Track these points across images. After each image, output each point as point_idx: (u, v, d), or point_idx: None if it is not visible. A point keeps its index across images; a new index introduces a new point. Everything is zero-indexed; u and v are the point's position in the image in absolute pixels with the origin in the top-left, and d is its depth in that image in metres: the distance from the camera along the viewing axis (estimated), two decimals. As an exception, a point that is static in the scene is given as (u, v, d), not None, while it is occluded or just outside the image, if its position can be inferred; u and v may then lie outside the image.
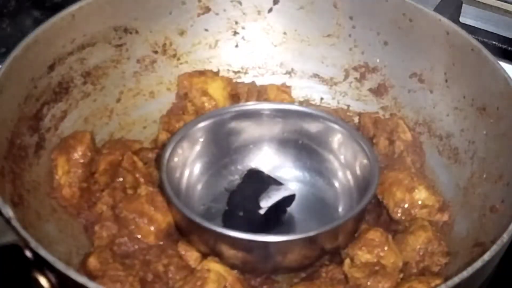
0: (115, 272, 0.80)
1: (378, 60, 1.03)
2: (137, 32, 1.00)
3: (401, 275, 0.83)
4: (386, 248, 0.84)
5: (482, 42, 0.94)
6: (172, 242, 0.86)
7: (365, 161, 0.90)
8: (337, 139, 0.94)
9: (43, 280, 0.71)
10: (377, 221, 0.92)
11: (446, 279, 0.77)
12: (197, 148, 0.93)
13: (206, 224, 0.82)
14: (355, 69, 1.05)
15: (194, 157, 0.93)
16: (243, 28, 1.06)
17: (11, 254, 0.71)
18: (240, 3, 1.05)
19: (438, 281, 0.79)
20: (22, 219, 0.76)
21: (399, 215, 0.90)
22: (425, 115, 1.00)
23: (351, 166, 0.93)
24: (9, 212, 0.73)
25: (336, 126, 0.93)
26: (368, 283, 0.80)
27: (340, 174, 0.94)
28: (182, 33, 1.04)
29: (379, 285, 0.80)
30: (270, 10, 1.06)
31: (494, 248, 0.74)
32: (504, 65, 0.91)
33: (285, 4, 1.05)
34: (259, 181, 0.92)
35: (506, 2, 1.23)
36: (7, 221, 0.72)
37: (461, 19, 1.22)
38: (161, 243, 0.86)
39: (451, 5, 1.20)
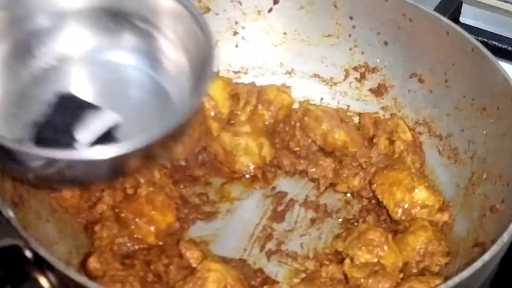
0: (115, 272, 0.80)
1: (378, 60, 1.03)
2: (137, 32, 1.00)
3: (401, 275, 0.83)
4: (386, 248, 0.84)
5: (482, 42, 0.94)
6: (172, 242, 0.86)
7: (199, 37, 0.74)
8: (165, 12, 0.76)
9: (43, 280, 0.71)
10: (377, 221, 0.92)
11: (446, 279, 0.77)
12: None
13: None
14: (355, 69, 1.05)
15: None
16: (243, 28, 1.06)
17: (11, 254, 0.71)
18: (240, 3, 1.05)
19: (438, 281, 0.79)
20: (22, 219, 0.76)
21: (399, 215, 0.90)
22: (425, 115, 1.00)
23: (185, 44, 0.76)
24: (9, 212, 0.73)
25: None
26: (368, 283, 0.80)
27: (173, 55, 0.78)
28: (182, 33, 1.04)
29: (379, 285, 0.80)
30: (270, 10, 1.05)
31: (494, 248, 0.74)
32: (504, 65, 0.91)
33: (285, 4, 1.05)
34: (71, 108, 0.74)
35: (506, 2, 1.23)
36: (7, 221, 0.72)
37: (461, 19, 1.22)
38: (161, 243, 0.86)
39: (451, 5, 1.19)
